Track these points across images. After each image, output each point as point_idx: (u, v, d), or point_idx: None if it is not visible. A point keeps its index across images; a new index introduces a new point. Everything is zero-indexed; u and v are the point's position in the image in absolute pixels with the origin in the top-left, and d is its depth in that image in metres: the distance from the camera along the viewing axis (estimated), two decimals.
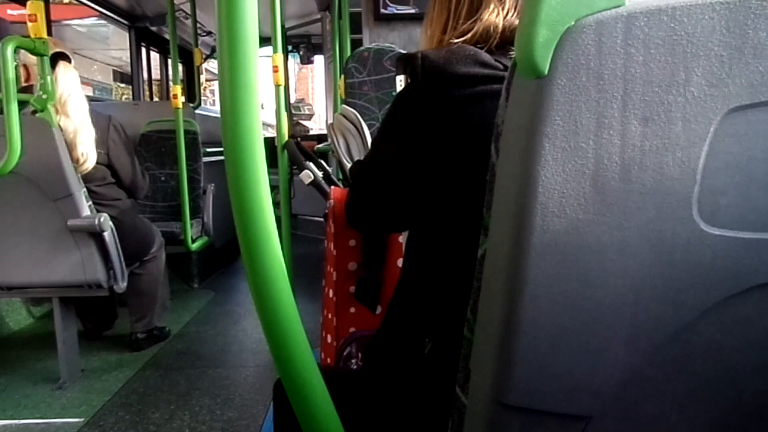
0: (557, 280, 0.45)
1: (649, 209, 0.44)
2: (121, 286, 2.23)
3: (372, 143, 0.85)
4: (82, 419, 1.94)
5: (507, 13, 0.76)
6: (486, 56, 0.71)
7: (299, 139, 2.52)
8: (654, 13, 0.41)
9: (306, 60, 6.15)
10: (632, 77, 0.41)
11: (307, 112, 5.78)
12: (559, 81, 0.41)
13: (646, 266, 0.45)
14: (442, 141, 0.70)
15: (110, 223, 2.12)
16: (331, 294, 1.31)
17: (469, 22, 0.77)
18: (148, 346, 2.60)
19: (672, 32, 0.41)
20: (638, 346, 0.48)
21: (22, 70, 2.15)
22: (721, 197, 0.44)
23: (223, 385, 2.23)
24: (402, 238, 1.27)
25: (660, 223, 0.44)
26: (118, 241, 2.18)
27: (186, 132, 3.08)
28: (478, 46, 0.74)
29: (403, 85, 0.77)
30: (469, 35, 0.76)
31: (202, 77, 4.74)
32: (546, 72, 0.41)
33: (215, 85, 10.97)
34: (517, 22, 0.75)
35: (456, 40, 0.76)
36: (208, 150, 3.65)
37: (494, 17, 0.75)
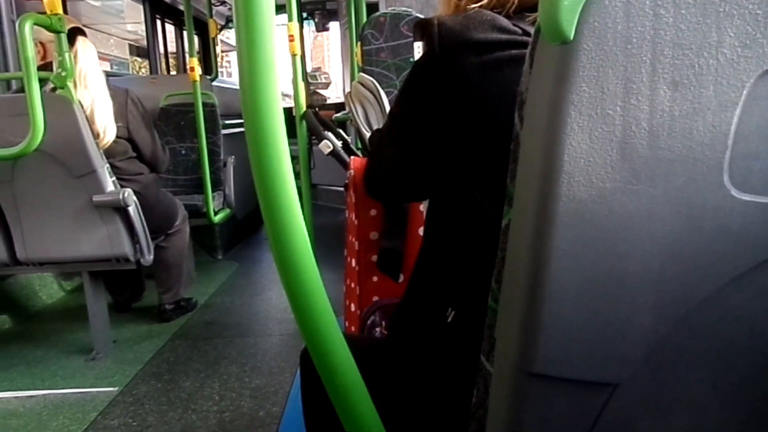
0: (583, 249, 0.45)
1: (679, 176, 0.43)
2: (148, 259, 2.28)
3: (389, 113, 0.84)
4: (116, 388, 2.01)
5: None
6: (504, 21, 0.69)
7: (317, 108, 2.51)
8: None
9: (321, 27, 6.07)
10: (661, 40, 0.40)
11: (323, 81, 5.73)
12: (585, 46, 0.40)
13: (675, 233, 0.45)
14: (460, 109, 0.69)
15: (134, 197, 2.15)
16: (353, 263, 1.32)
17: None
18: (177, 317, 2.66)
19: None
20: (666, 313, 0.48)
21: (38, 48, 2.16)
22: (753, 162, 0.43)
23: (250, 354, 2.28)
24: (423, 207, 1.26)
25: (689, 190, 0.43)
26: (142, 215, 2.21)
27: (204, 105, 3.09)
28: (495, 11, 0.72)
29: (421, 52, 0.76)
30: (485, 0, 0.74)
31: (218, 48, 4.71)
32: (571, 37, 0.40)
33: (230, 55, 10.92)
34: None
35: (473, 6, 0.75)
36: (227, 122, 3.65)
37: None
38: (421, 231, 1.26)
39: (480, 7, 0.74)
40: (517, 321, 0.50)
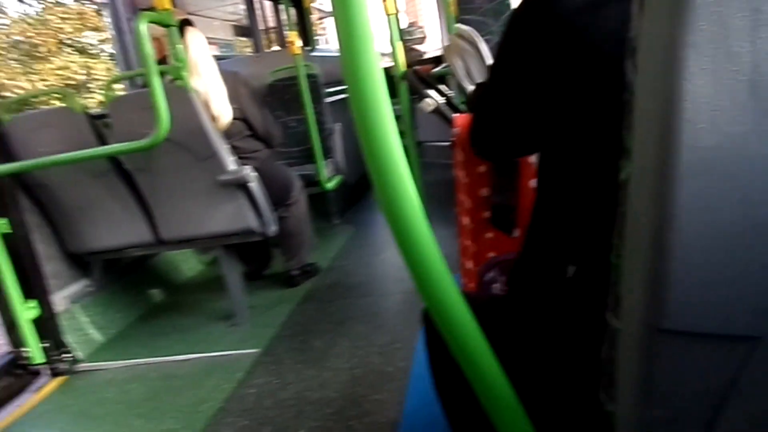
0: (712, 200, 0.42)
1: None
2: (272, 230, 2.42)
3: (491, 69, 0.82)
4: (257, 350, 2.19)
5: None
6: None
7: (415, 65, 2.49)
8: None
9: None
10: None
11: (419, 36, 5.63)
12: None
13: None
14: (566, 57, 0.66)
15: (254, 173, 2.29)
16: (466, 221, 1.32)
17: None
18: (303, 282, 2.83)
19: None
20: None
21: (154, 44, 2.32)
22: None
23: (374, 313, 2.38)
24: (533, 159, 1.23)
25: None
26: (263, 189, 2.35)
27: (307, 76, 3.17)
28: None
29: None
30: None
31: (313, 17, 4.78)
32: None
33: (326, 21, 11.03)
34: None
35: None
36: (329, 90, 3.73)
37: None
38: (532, 183, 1.23)
39: None
40: (643, 277, 0.48)
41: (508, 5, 2.46)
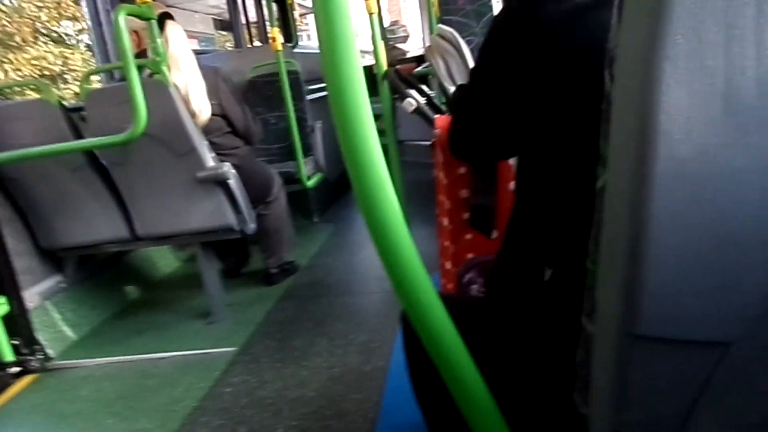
0: (686, 210, 0.43)
1: None
2: (251, 227, 2.41)
3: (471, 74, 0.82)
4: (235, 348, 2.18)
5: None
6: None
7: (397, 64, 2.49)
8: None
9: None
10: None
11: (402, 34, 5.63)
12: None
13: None
14: (545, 65, 0.66)
15: (233, 170, 2.27)
16: (445, 222, 1.33)
17: None
18: (282, 280, 2.81)
19: None
20: None
21: (133, 37, 2.29)
22: None
23: (353, 311, 2.38)
24: (513, 161, 1.24)
25: None
26: (242, 186, 2.34)
27: (288, 73, 3.15)
28: None
29: None
30: None
31: (295, 14, 4.76)
32: None
33: (309, 18, 10.97)
34: None
35: None
36: (310, 88, 3.71)
37: None
38: (512, 185, 1.24)
39: None
40: (618, 283, 0.49)
41: (491, 7, 2.47)
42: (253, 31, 5.77)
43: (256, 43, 5.48)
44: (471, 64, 1.28)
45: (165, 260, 3.29)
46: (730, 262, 0.45)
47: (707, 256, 0.45)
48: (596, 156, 0.52)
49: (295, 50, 4.02)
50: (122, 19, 1.91)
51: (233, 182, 2.28)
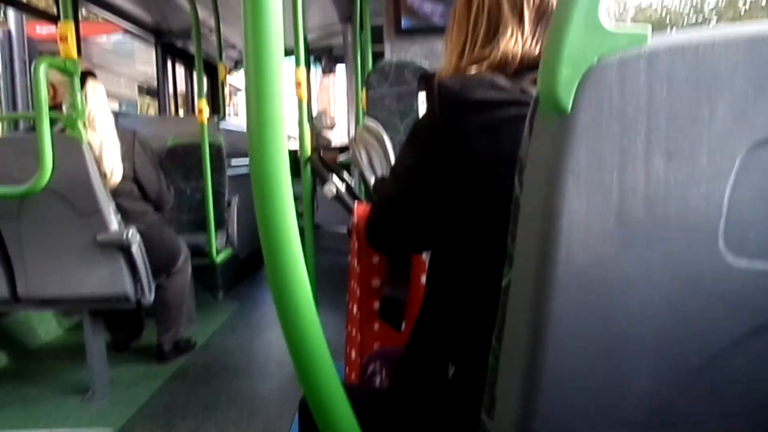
0: (582, 313, 0.45)
1: (675, 242, 0.44)
2: (149, 299, 2.27)
3: (392, 169, 0.86)
4: (110, 429, 1.98)
5: (525, 41, 0.76)
6: (502, 80, 0.72)
7: (321, 151, 2.55)
8: (677, 50, 0.41)
9: (328, 70, 6.21)
10: (656, 113, 0.42)
11: (329, 124, 5.82)
12: (582, 117, 0.42)
13: (673, 298, 0.45)
14: (460, 170, 0.71)
15: (138, 237, 2.16)
16: (355, 310, 1.32)
17: (487, 47, 0.77)
18: (175, 358, 2.63)
19: (695, 69, 0.41)
20: (666, 376, 0.48)
21: (49, 89, 2.21)
22: (748, 229, 0.44)
23: (248, 397, 2.25)
24: (425, 256, 1.27)
25: (686, 256, 0.44)
26: (145, 254, 2.22)
27: (211, 145, 3.13)
28: (495, 73, 0.74)
29: (423, 102, 0.78)
30: (485, 62, 0.76)
31: (226, 90, 4.82)
32: (569, 110, 0.41)
33: (238, 96, 11.12)
34: (536, 52, 0.75)
35: (473, 67, 0.77)
36: (233, 163, 3.70)
37: (512, 45, 0.75)
38: (424, 279, 1.27)
39: (480, 69, 0.76)
40: (517, 381, 0.50)
41: (415, 109, 2.63)
42: (180, 100, 5.76)
43: (181, 113, 5.46)
44: (393, 158, 1.34)
45: (46, 326, 3.00)
46: (619, 367, 0.47)
47: (599, 360, 0.47)
48: (503, 256, 0.54)
49: (222, 126, 4.03)
50: (42, 71, 1.85)
51: (136, 249, 2.16)
